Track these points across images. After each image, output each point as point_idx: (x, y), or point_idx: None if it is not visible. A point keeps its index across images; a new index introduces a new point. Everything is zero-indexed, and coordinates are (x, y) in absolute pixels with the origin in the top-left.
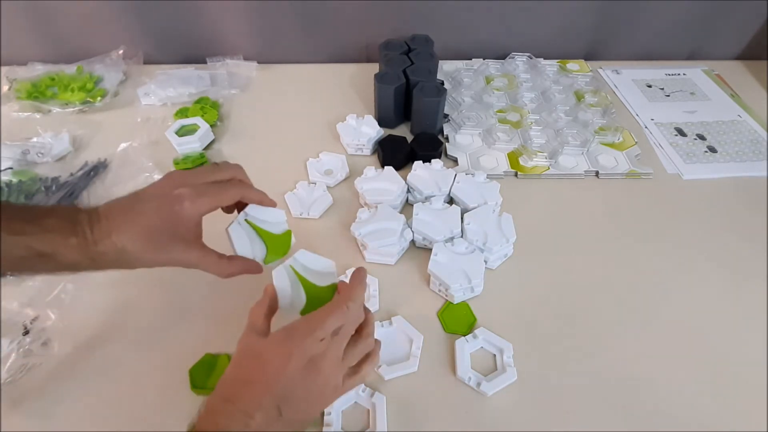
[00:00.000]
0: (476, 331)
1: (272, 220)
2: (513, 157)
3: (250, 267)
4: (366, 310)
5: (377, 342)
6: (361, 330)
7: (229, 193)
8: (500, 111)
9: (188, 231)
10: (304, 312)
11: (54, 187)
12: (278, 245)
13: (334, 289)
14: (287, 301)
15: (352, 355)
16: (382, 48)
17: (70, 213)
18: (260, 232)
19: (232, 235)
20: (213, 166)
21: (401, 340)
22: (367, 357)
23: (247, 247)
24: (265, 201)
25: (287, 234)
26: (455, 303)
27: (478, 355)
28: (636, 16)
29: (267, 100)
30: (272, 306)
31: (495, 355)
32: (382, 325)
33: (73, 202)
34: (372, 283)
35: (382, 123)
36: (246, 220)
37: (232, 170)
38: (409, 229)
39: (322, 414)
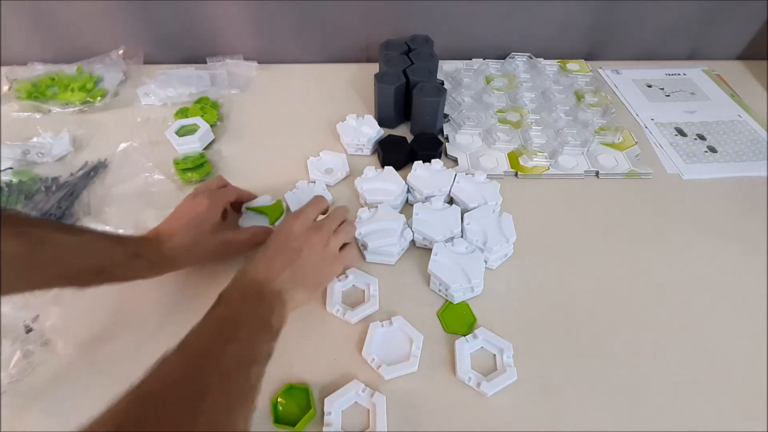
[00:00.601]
0: (476, 331)
1: (263, 202)
2: (513, 157)
3: (263, 229)
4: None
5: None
6: (340, 226)
7: (229, 195)
8: (500, 111)
9: (213, 224)
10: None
11: (54, 187)
12: (274, 211)
13: (279, 203)
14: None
15: (335, 239)
16: (382, 48)
17: (134, 237)
18: (259, 210)
19: (243, 222)
20: (208, 182)
21: (401, 340)
22: (346, 245)
23: (255, 223)
24: (249, 195)
25: (278, 203)
26: (455, 303)
27: (478, 355)
28: (636, 16)
29: (267, 100)
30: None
31: (495, 355)
32: (382, 325)
33: (73, 200)
34: (372, 283)
35: (382, 123)
36: (247, 208)
37: (222, 179)
38: (409, 229)
39: (323, 414)
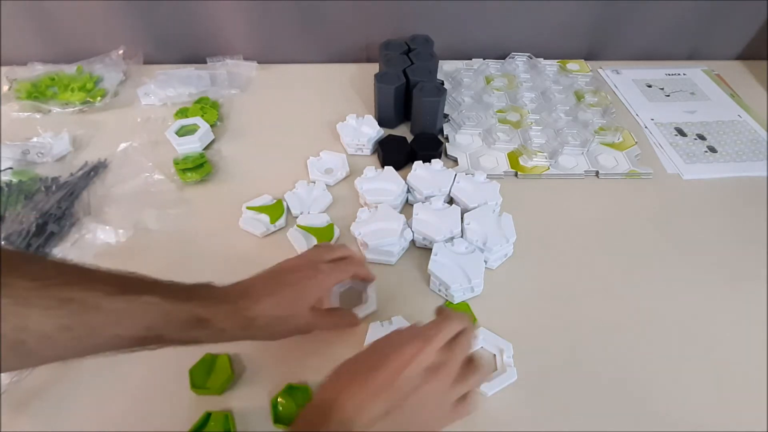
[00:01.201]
0: (476, 331)
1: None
2: (513, 157)
3: (354, 321)
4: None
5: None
6: (472, 362)
7: (348, 268)
8: (500, 111)
9: (318, 300)
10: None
11: (54, 187)
12: (324, 235)
13: (279, 203)
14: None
15: (465, 380)
16: (382, 48)
17: (211, 286)
18: (309, 230)
19: (292, 238)
20: (332, 247)
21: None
22: (470, 392)
23: (303, 243)
24: (369, 276)
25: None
26: (455, 303)
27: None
28: (636, 16)
29: (267, 100)
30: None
31: (495, 355)
32: (382, 325)
33: (73, 200)
34: (370, 284)
35: (382, 123)
36: (298, 225)
37: (344, 249)
38: (409, 229)
39: None
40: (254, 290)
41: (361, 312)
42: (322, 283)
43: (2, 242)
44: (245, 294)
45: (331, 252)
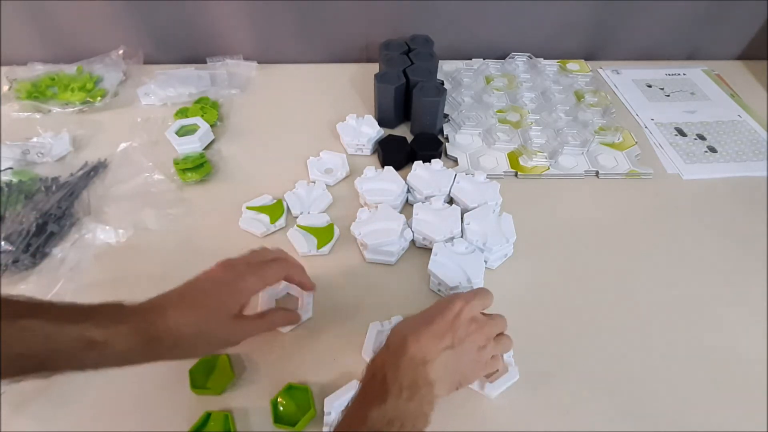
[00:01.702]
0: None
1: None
2: (513, 157)
3: (291, 317)
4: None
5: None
6: (502, 335)
7: (273, 271)
8: (500, 111)
9: (239, 308)
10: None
11: (54, 187)
12: (324, 235)
13: (279, 203)
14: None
15: (498, 343)
16: (382, 48)
17: (119, 305)
18: (309, 230)
19: (292, 238)
20: (256, 251)
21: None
22: (498, 356)
23: (303, 243)
24: (306, 283)
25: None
26: None
27: None
28: (636, 16)
29: (267, 100)
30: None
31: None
32: (382, 325)
33: (73, 200)
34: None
35: (382, 123)
36: (298, 225)
37: (274, 252)
38: (409, 229)
39: (323, 414)
40: (162, 305)
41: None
42: (242, 290)
43: (2, 242)
44: (151, 309)
45: (260, 256)
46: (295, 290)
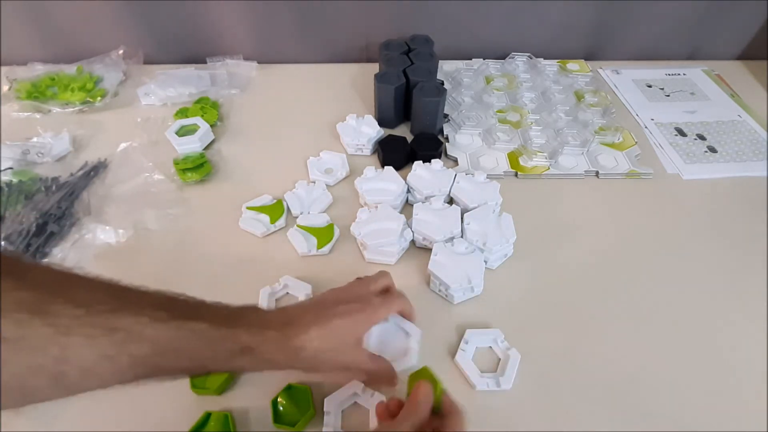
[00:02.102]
0: (465, 337)
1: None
2: (513, 157)
3: (391, 378)
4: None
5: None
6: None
7: (396, 306)
8: (500, 111)
9: (363, 335)
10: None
11: (54, 187)
12: (324, 235)
13: (279, 203)
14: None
15: (376, 284)
16: (382, 48)
17: (256, 309)
18: (309, 230)
19: (291, 238)
20: (374, 278)
21: (397, 336)
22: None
23: (303, 243)
24: (413, 314)
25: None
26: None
27: (479, 355)
28: (636, 16)
29: (267, 100)
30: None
31: (490, 347)
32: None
33: (73, 200)
34: (305, 289)
35: (382, 123)
36: (298, 225)
37: (386, 279)
38: (409, 229)
39: (323, 414)
40: (301, 319)
41: (398, 365)
42: (371, 317)
43: (2, 242)
44: (291, 322)
45: (375, 283)
46: (299, 292)
